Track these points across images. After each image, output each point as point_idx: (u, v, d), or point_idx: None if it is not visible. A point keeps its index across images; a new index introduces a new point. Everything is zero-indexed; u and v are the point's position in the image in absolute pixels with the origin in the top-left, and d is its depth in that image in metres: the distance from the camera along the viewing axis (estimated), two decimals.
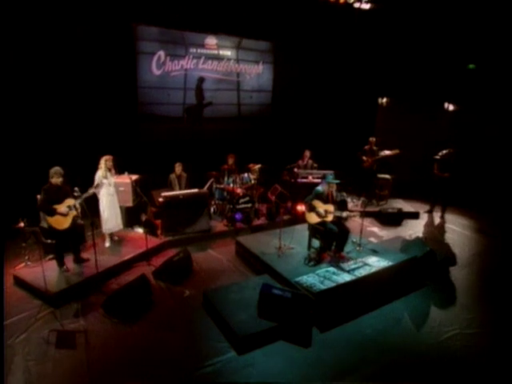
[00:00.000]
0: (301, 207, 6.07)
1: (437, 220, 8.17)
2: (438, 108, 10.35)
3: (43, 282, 4.58)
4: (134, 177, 6.34)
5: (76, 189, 4.98)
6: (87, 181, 5.50)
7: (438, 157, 7.99)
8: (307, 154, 8.14)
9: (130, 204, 6.40)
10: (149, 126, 8.71)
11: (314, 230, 5.49)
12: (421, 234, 7.22)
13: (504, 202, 8.81)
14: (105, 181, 5.61)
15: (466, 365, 3.88)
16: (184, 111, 9.18)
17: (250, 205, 7.25)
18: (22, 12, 6.43)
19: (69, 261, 5.17)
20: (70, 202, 4.88)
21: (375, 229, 7.47)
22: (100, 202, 5.70)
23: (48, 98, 7.07)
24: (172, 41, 8.60)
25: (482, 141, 9.57)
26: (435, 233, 7.48)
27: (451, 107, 10.34)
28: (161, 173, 7.11)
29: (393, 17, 9.43)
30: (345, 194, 8.45)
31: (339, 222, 5.46)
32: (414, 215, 8.19)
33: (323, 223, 5.30)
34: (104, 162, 5.64)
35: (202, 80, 9.18)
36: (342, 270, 4.99)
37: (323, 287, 4.48)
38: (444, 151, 8.00)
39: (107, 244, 5.88)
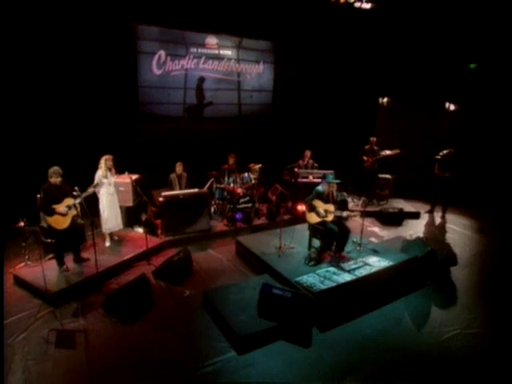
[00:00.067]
0: (301, 207, 6.06)
1: (437, 220, 8.16)
2: (439, 108, 10.33)
3: (43, 282, 4.58)
4: (134, 176, 6.34)
5: (76, 188, 4.98)
6: (87, 180, 5.49)
7: (438, 157, 7.98)
8: (308, 153, 8.13)
9: (130, 204, 6.40)
10: (149, 125, 8.71)
11: (315, 230, 5.48)
12: (421, 234, 7.21)
13: (505, 201, 8.79)
14: (105, 180, 5.61)
15: (466, 365, 3.86)
16: (184, 111, 9.18)
17: (250, 204, 7.24)
18: (22, 12, 6.43)
19: (69, 260, 5.17)
20: (69, 201, 4.87)
21: (376, 229, 7.46)
22: (100, 201, 5.69)
23: (48, 97, 7.07)
24: (172, 40, 8.60)
25: (483, 141, 9.55)
26: (436, 233, 7.46)
27: (452, 107, 10.31)
28: (161, 172, 7.10)
29: (393, 16, 9.42)
30: (345, 193, 8.41)
31: (339, 221, 5.45)
32: (415, 215, 8.18)
33: (323, 223, 5.29)
34: (104, 162, 5.63)
35: (202, 80, 9.17)
36: (343, 269, 4.98)
37: (323, 287, 4.47)
38: (445, 151, 7.98)
39: (107, 244, 5.88)
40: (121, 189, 6.16)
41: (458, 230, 7.57)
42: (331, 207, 5.31)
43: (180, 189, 6.80)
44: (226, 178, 7.47)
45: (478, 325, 4.47)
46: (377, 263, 5.14)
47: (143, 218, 6.71)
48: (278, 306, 4.05)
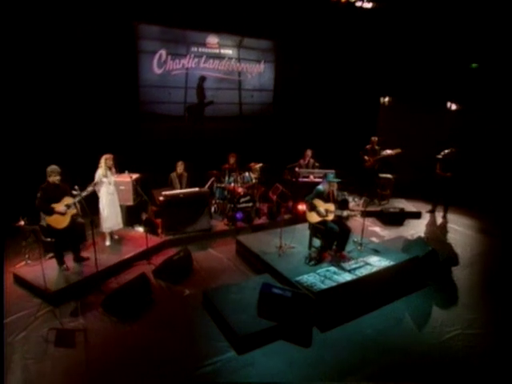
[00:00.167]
0: (302, 206, 6.04)
1: (439, 220, 8.13)
2: (441, 107, 10.30)
3: (43, 281, 4.58)
4: (135, 176, 6.33)
5: (76, 187, 4.97)
6: (88, 179, 5.48)
7: (440, 156, 7.95)
8: (309, 153, 8.10)
9: (130, 203, 6.40)
10: (150, 124, 8.71)
11: (315, 229, 5.46)
12: (423, 234, 7.18)
13: (506, 201, 8.75)
14: (105, 179, 5.60)
15: (467, 365, 3.84)
16: (185, 110, 9.18)
17: (250, 204, 7.23)
18: (23, 11, 6.43)
19: (69, 259, 5.17)
20: (68, 200, 4.85)
21: (377, 228, 7.44)
22: (100, 200, 5.69)
23: (49, 96, 7.08)
24: (173, 40, 8.60)
25: (485, 140, 9.52)
26: (437, 232, 7.44)
27: (454, 106, 10.28)
28: (161, 172, 7.09)
29: (395, 16, 9.39)
30: (346, 193, 8.41)
31: (340, 221, 5.43)
32: (416, 215, 8.15)
33: (324, 222, 5.27)
34: (104, 161, 5.63)
35: (203, 79, 9.17)
36: (343, 269, 4.96)
37: (324, 287, 4.45)
38: (446, 151, 7.95)
39: (107, 243, 5.87)
40: (121, 188, 6.16)
41: (459, 230, 7.54)
42: (332, 206, 5.29)
43: (180, 188, 6.79)
44: (227, 178, 7.45)
45: (480, 325, 4.45)
46: (377, 263, 5.12)
47: (143, 217, 6.71)
48: (278, 305, 4.03)
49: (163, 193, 6.42)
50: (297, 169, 7.97)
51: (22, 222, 5.16)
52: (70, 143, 7.15)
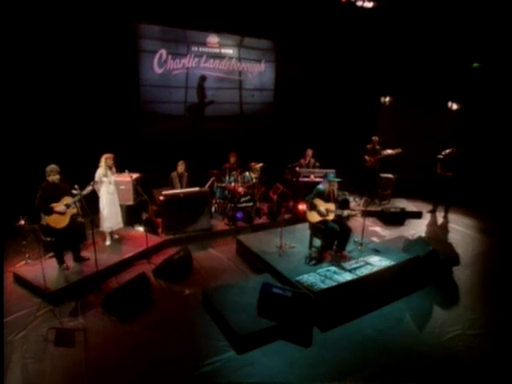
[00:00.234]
0: (302, 206, 6.02)
1: (440, 220, 8.11)
2: (442, 107, 10.26)
3: (43, 280, 4.58)
4: (135, 175, 6.33)
5: (76, 186, 4.96)
6: (88, 179, 5.47)
7: (441, 156, 7.93)
8: (309, 152, 8.08)
9: (130, 202, 6.39)
10: (150, 124, 8.71)
11: (316, 229, 5.45)
12: (423, 234, 7.16)
13: (508, 201, 8.72)
14: (105, 179, 5.59)
15: (468, 366, 3.82)
16: (186, 110, 9.18)
17: (251, 204, 7.22)
18: (25, 11, 6.42)
19: (69, 259, 5.16)
20: (67, 200, 4.84)
21: (377, 228, 7.42)
22: (100, 200, 5.68)
23: (50, 96, 7.08)
24: (174, 39, 8.60)
25: (486, 140, 9.49)
26: (438, 232, 7.41)
27: (455, 106, 10.25)
28: (162, 171, 7.08)
29: (395, 15, 9.37)
30: (346, 193, 8.39)
31: (341, 221, 5.41)
32: (417, 215, 8.13)
33: (324, 222, 5.26)
34: (104, 160, 5.62)
35: (203, 78, 9.16)
36: (344, 269, 4.94)
37: (324, 286, 4.43)
38: (447, 150, 7.93)
39: (108, 242, 5.87)
40: (121, 187, 6.15)
41: (460, 230, 7.52)
42: (332, 206, 5.28)
43: (181, 188, 6.78)
44: (227, 177, 7.44)
45: (480, 325, 4.43)
46: (378, 263, 5.10)
47: (144, 216, 6.71)
48: (278, 305, 4.02)
49: (163, 192, 6.41)
50: (297, 168, 7.96)
51: (22, 222, 5.15)
52: (71, 142, 7.15)
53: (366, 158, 8.50)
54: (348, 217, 5.78)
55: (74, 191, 4.94)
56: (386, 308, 4.70)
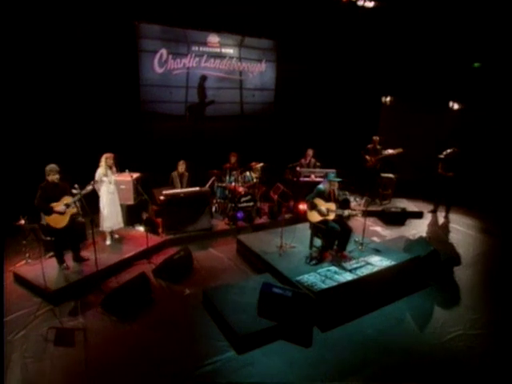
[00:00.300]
0: (303, 206, 6.01)
1: (441, 220, 8.09)
2: (443, 107, 10.25)
3: (43, 280, 4.57)
4: (135, 175, 6.32)
5: (76, 186, 4.96)
6: (89, 178, 5.46)
7: (442, 156, 7.91)
8: (310, 152, 8.07)
9: (131, 202, 6.39)
10: (151, 124, 8.70)
11: (316, 229, 5.44)
12: (424, 234, 7.15)
13: (509, 201, 8.69)
14: (105, 178, 5.59)
15: (469, 366, 3.81)
16: (186, 109, 9.17)
17: (251, 203, 7.20)
18: (25, 10, 6.42)
19: (69, 259, 5.16)
20: (67, 199, 4.83)
21: (378, 228, 7.40)
22: (100, 199, 5.68)
23: (51, 95, 7.07)
24: (174, 39, 8.59)
25: (487, 140, 9.46)
26: (439, 232, 7.39)
27: (456, 106, 10.23)
28: (162, 171, 7.08)
29: (396, 15, 9.35)
30: (347, 192, 8.37)
31: (341, 220, 5.40)
32: (418, 215, 8.11)
33: (325, 222, 5.25)
34: (104, 160, 5.62)
35: (204, 78, 9.15)
36: (344, 269, 4.93)
37: (324, 286, 4.42)
38: (448, 150, 7.91)
39: (108, 242, 5.86)
40: (122, 187, 6.15)
41: (461, 230, 7.50)
42: (333, 206, 5.26)
43: (181, 187, 6.78)
44: (228, 177, 7.43)
45: (482, 326, 4.41)
46: (379, 263, 5.09)
47: (144, 216, 6.70)
48: (278, 305, 4.01)
49: (164, 192, 6.41)
50: (298, 168, 7.95)
51: (23, 221, 5.15)
52: (71, 142, 7.15)
53: (367, 157, 8.49)
54: (348, 216, 5.76)
55: (74, 191, 4.93)
56: (386, 308, 4.69)
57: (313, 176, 7.80)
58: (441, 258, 5.39)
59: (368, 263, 5.08)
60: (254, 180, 7.54)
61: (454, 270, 5.64)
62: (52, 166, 4.74)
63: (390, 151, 8.34)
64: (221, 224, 7.01)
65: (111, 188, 5.72)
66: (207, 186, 7.30)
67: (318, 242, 5.52)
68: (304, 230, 6.00)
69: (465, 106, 10.06)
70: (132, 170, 6.02)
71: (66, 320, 4.25)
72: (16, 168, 6.43)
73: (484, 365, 3.84)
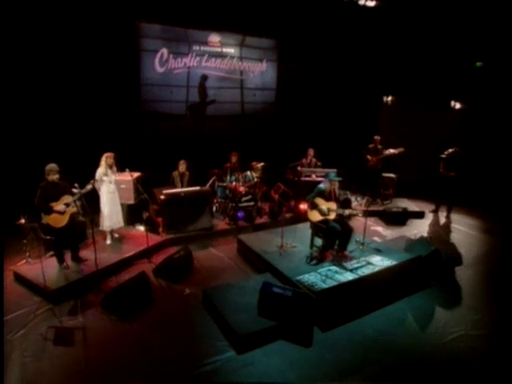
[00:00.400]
0: (304, 206, 5.99)
1: (442, 220, 8.05)
2: (445, 106, 10.21)
3: (43, 279, 4.57)
4: (136, 174, 6.31)
5: (76, 185, 4.95)
6: (89, 178, 5.45)
7: (444, 155, 7.88)
8: (311, 152, 8.05)
9: (131, 201, 6.38)
10: (151, 123, 8.69)
11: (317, 229, 5.42)
12: (426, 234, 7.11)
13: (511, 201, 8.65)
14: (105, 178, 5.58)
15: (471, 367, 3.78)
16: (187, 109, 9.15)
17: (252, 203, 7.18)
18: (26, 10, 6.42)
19: (69, 258, 5.15)
20: (67, 199, 4.82)
21: (379, 228, 7.37)
22: (101, 199, 5.67)
23: (51, 94, 7.06)
24: (175, 38, 8.57)
25: (489, 139, 9.42)
26: (440, 232, 7.36)
27: (458, 105, 10.19)
28: (163, 170, 7.06)
29: (398, 14, 9.32)
30: (348, 192, 8.35)
31: (342, 220, 5.38)
32: (419, 215, 8.07)
33: (326, 221, 5.23)
34: (105, 159, 5.61)
35: (205, 78, 9.14)
36: (345, 268, 4.90)
37: (325, 286, 4.40)
38: (450, 150, 7.89)
39: (108, 241, 5.86)
40: (122, 186, 6.13)
41: (463, 230, 7.46)
42: (333, 205, 5.24)
43: (182, 187, 6.76)
44: (228, 177, 7.42)
45: (483, 326, 4.38)
46: (380, 262, 5.06)
47: (144, 215, 6.69)
48: (278, 304, 3.99)
49: (164, 191, 6.39)
50: (299, 168, 7.92)
51: (23, 220, 5.15)
52: (72, 141, 7.14)
53: (368, 157, 8.46)
54: (349, 216, 5.75)
55: (74, 190, 4.92)
56: (387, 308, 4.66)
57: (314, 176, 7.79)
58: (442, 258, 5.36)
59: (369, 263, 5.05)
60: (255, 180, 7.52)
61: (455, 270, 5.61)
62: (52, 166, 4.73)
63: (392, 151, 8.31)
64: (221, 224, 7.00)
65: (111, 187, 5.71)
66: (208, 185, 7.28)
67: (318, 241, 5.50)
68: (305, 229, 5.98)
69: (467, 105, 10.02)
70: (132, 170, 6.00)
71: (65, 319, 4.25)
72: (16, 167, 6.43)
73: (486, 365, 3.81)
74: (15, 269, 5.06)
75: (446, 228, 7.62)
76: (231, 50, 9.31)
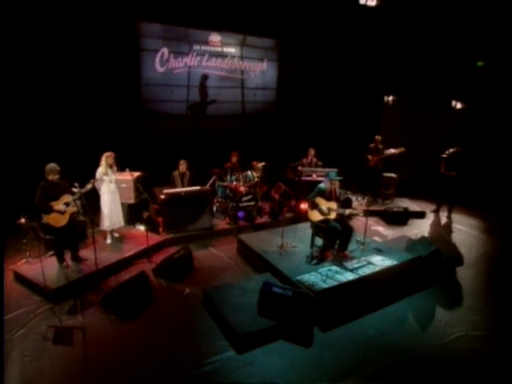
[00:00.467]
0: (304, 205, 5.98)
1: (443, 219, 8.03)
2: (446, 106, 10.19)
3: (43, 278, 4.56)
4: (136, 174, 6.31)
5: (76, 184, 4.94)
6: (89, 178, 5.45)
7: (444, 155, 7.85)
8: (311, 152, 8.04)
9: (131, 201, 6.37)
10: (152, 123, 8.69)
11: (317, 228, 5.40)
12: (427, 234, 7.09)
13: (511, 201, 8.62)
14: (105, 177, 5.58)
15: (471, 367, 3.77)
16: (187, 109, 9.15)
17: (252, 203, 7.17)
18: (26, 10, 6.42)
19: (69, 257, 5.14)
20: (67, 198, 4.82)
21: (380, 228, 7.36)
22: (101, 198, 5.67)
23: (51, 94, 7.07)
24: (175, 38, 8.57)
25: (490, 139, 9.40)
26: (441, 232, 7.34)
27: (459, 105, 10.17)
28: (163, 170, 7.06)
29: (399, 14, 9.30)
30: (349, 192, 8.35)
31: (343, 220, 5.37)
32: (420, 214, 8.05)
33: (326, 221, 5.21)
34: (105, 159, 5.61)
35: (205, 77, 9.13)
36: (345, 268, 4.89)
37: (325, 286, 4.39)
38: (451, 150, 7.86)
39: (108, 241, 5.85)
40: (122, 186, 6.13)
41: (464, 230, 7.44)
42: (334, 205, 5.23)
43: (182, 186, 6.75)
44: (229, 176, 7.41)
45: (484, 326, 4.37)
46: (380, 262, 5.04)
47: (145, 215, 6.68)
48: (278, 304, 3.98)
49: (164, 191, 6.39)
50: (299, 167, 7.91)
51: (23, 220, 5.15)
52: (72, 141, 7.14)
53: (369, 157, 8.44)
54: (350, 216, 5.73)
55: (74, 189, 4.92)
56: (388, 308, 4.65)
57: (314, 175, 7.77)
58: (443, 258, 5.34)
59: (369, 263, 5.04)
60: (256, 179, 7.50)
61: (456, 270, 5.59)
62: (52, 166, 4.73)
63: (392, 151, 8.30)
64: (222, 223, 6.99)
65: (112, 187, 5.71)
66: (208, 185, 7.27)
67: (319, 241, 5.48)
68: (305, 229, 5.96)
69: (468, 105, 9.99)
70: (133, 169, 6.00)
71: (65, 319, 4.24)
72: (16, 167, 6.43)
73: (487, 366, 3.79)
74: (15, 268, 5.06)
75: (447, 228, 7.60)
76: (232, 50, 9.31)
